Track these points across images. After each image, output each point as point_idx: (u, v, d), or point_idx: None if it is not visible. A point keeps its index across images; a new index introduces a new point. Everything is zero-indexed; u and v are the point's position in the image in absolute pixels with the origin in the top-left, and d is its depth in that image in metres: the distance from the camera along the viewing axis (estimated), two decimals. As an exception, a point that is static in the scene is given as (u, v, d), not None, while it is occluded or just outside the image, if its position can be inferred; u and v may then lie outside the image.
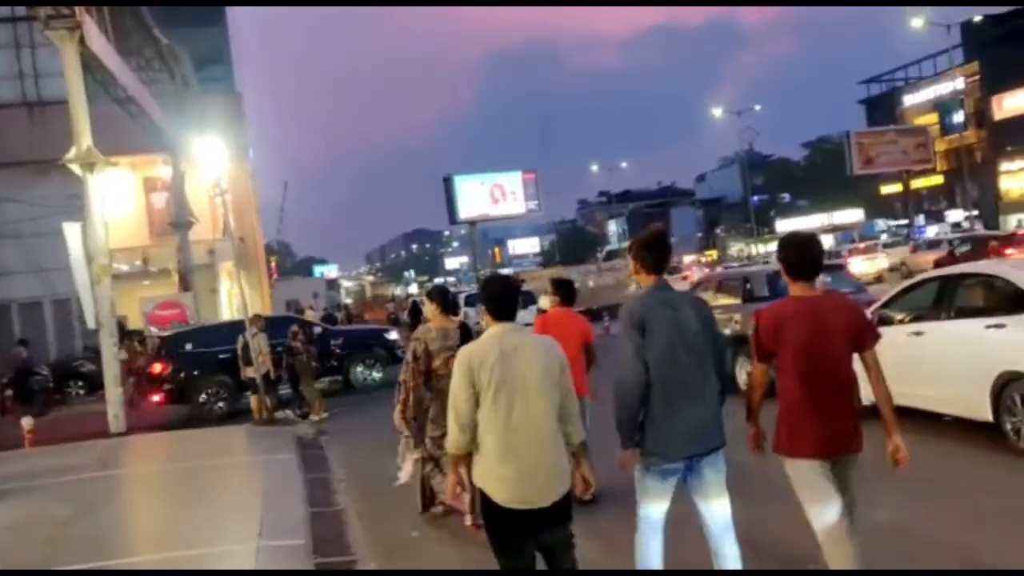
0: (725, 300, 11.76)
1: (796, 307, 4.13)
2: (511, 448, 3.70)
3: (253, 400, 13.92)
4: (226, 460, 10.47)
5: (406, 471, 6.98)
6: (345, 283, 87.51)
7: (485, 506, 3.81)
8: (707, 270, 25.99)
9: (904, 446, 4.15)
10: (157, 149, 22.87)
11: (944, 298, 7.73)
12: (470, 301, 28.63)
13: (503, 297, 3.96)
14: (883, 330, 8.54)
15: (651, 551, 4.16)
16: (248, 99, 31.35)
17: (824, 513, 3.99)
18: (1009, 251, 23.44)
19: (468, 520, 6.25)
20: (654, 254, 4.26)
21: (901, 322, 8.23)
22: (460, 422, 3.77)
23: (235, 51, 30.78)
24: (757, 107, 61.54)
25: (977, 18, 51.76)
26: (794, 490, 4.13)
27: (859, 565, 3.93)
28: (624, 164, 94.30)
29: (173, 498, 8.85)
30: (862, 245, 46.72)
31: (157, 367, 15.99)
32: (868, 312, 8.58)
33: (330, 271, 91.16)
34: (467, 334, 6.53)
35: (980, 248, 24.71)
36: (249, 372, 14.05)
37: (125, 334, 19.93)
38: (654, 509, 4.14)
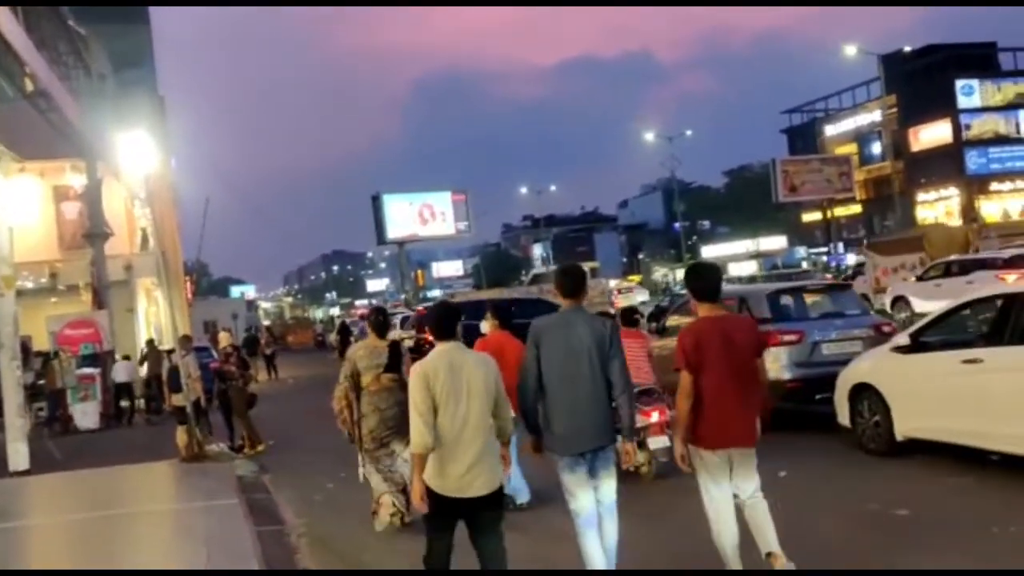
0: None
1: (710, 325, 4.86)
2: (457, 448, 4.34)
3: (180, 433, 12.28)
4: (154, 507, 8.83)
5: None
6: (264, 304, 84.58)
7: (430, 495, 4.39)
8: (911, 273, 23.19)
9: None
10: (69, 154, 20.90)
11: (1009, 319, 6.76)
12: (406, 323, 27.29)
13: (444, 320, 4.65)
14: (921, 358, 7.74)
15: (589, 546, 4.79)
16: (170, 108, 29.40)
17: (715, 493, 4.82)
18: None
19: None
20: (569, 282, 5.01)
21: (946, 348, 7.31)
22: (427, 424, 4.34)
23: (158, 56, 28.92)
24: (688, 132, 61.54)
25: (898, 49, 52.92)
26: (697, 473, 4.90)
27: (733, 541, 4.78)
28: (553, 188, 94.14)
29: (85, 561, 7.02)
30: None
31: None
32: (902, 336, 7.68)
33: (248, 292, 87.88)
34: (397, 352, 7.14)
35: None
36: (176, 400, 12.43)
37: (30, 355, 17.96)
38: (579, 501, 4.80)
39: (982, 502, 6.39)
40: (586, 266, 40.04)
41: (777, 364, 9.46)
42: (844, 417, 8.39)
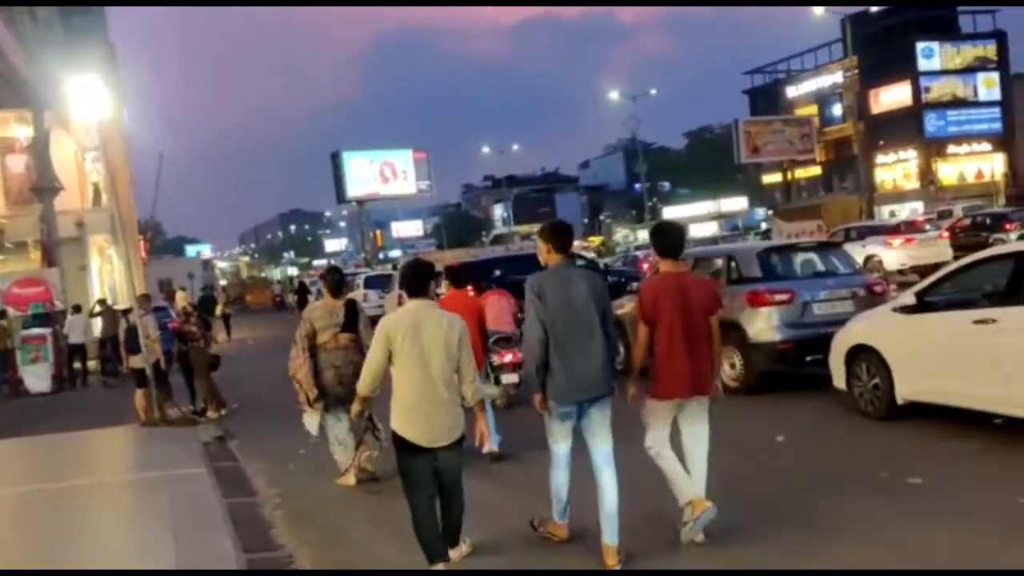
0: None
1: (668, 281, 5.17)
2: (418, 400, 4.66)
3: (139, 397, 11.69)
4: (113, 477, 8.25)
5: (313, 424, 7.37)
6: (220, 264, 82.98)
7: (397, 442, 4.76)
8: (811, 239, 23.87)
9: (719, 388, 5.38)
10: (15, 103, 19.83)
11: (1024, 278, 6.41)
12: (370, 283, 26.71)
13: (416, 278, 4.95)
14: (927, 318, 7.44)
15: (559, 480, 5.19)
16: (121, 58, 28.05)
17: (656, 434, 5.17)
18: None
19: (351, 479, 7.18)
20: (559, 239, 5.15)
21: (954, 308, 7.01)
22: (372, 371, 4.83)
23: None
24: (653, 91, 60.93)
25: (863, 11, 52.74)
26: (643, 416, 5.21)
27: (678, 469, 5.14)
28: (516, 147, 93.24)
29: (35, 541, 6.43)
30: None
31: None
32: (906, 295, 7.38)
33: (204, 251, 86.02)
34: (353, 312, 7.28)
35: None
36: (135, 362, 11.81)
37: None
38: (560, 446, 5.12)
39: (997, 468, 6.14)
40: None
41: (768, 325, 9.19)
42: (840, 379, 8.11)
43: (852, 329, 8.06)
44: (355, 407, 5.26)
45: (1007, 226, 25.07)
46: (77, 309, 18.81)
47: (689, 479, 5.14)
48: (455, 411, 4.79)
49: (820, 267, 9.78)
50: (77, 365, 18.57)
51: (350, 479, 7.23)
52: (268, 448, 9.21)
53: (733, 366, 9.56)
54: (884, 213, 51.51)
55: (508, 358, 9.08)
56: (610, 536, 4.92)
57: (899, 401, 7.37)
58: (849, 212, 30.11)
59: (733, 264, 9.78)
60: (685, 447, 5.25)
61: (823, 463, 6.70)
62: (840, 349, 8.04)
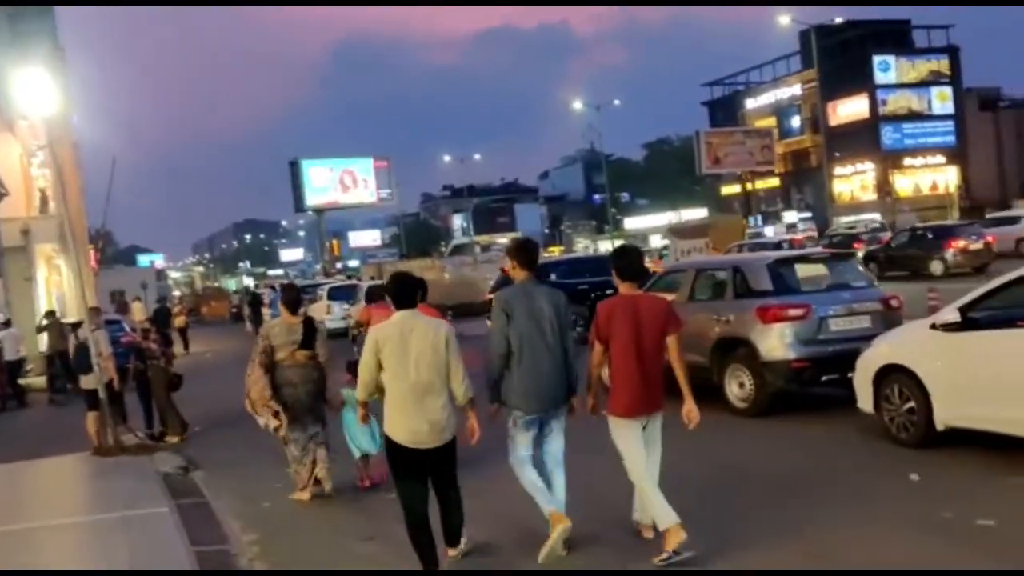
0: (706, 295, 9.75)
1: (624, 302, 5.30)
2: (409, 405, 4.90)
3: (91, 420, 10.69)
4: (61, 519, 7.15)
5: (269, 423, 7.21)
6: (173, 274, 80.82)
7: (390, 446, 5.03)
8: (701, 255, 25.43)
9: (695, 409, 5.33)
10: (-45, 105, 18.60)
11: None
12: (334, 295, 25.75)
13: (402, 291, 5.14)
14: (973, 336, 6.83)
15: (527, 474, 5.37)
16: (72, 64, 26.72)
17: (633, 457, 5.25)
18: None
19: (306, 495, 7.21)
20: (525, 256, 5.41)
21: (1005, 326, 6.41)
22: (365, 379, 5.08)
23: (60, 9, 26.19)
24: (616, 102, 60.72)
25: (822, 24, 52.98)
26: (614, 440, 5.31)
27: (653, 490, 5.18)
28: (477, 156, 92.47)
29: None
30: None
31: None
32: (948, 311, 6.76)
33: (157, 261, 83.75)
34: (311, 329, 7.23)
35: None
36: (86, 382, 10.79)
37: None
38: (522, 450, 5.36)
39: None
40: (508, 237, 38.97)
41: (781, 342, 8.55)
42: (866, 402, 7.49)
43: (881, 347, 7.46)
44: (360, 412, 5.53)
45: (950, 243, 24.84)
46: (7, 324, 17.68)
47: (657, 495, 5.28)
48: (446, 414, 4.97)
49: (833, 280, 9.17)
50: (22, 381, 17.44)
51: (305, 495, 7.25)
52: (238, 481, 8.34)
53: (742, 385, 8.92)
54: (841, 224, 51.51)
55: None
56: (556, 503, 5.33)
57: (938, 427, 6.77)
58: (735, 231, 32.79)
59: (740, 276, 9.14)
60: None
61: (868, 499, 6.04)
62: (868, 369, 7.42)
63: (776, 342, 8.56)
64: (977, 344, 6.47)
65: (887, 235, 30.71)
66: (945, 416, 6.72)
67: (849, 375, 7.96)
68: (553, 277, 17.06)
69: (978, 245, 24.54)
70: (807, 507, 5.92)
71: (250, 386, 7.17)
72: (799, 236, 36.07)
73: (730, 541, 5.38)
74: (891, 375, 7.18)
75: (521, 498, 5.55)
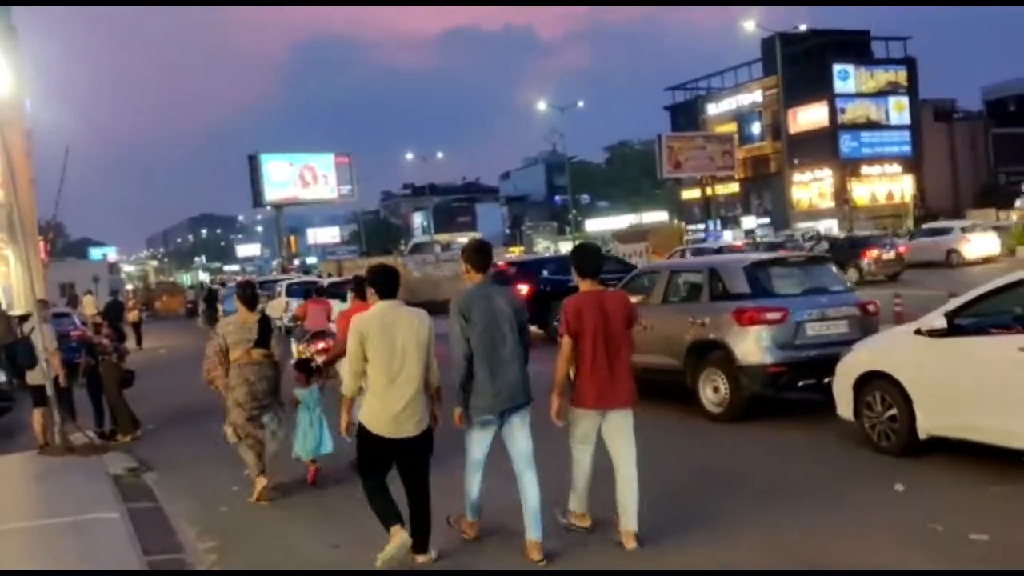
0: (680, 297, 9.56)
1: (590, 297, 5.44)
2: (390, 394, 4.96)
3: (37, 417, 10.18)
4: (4, 526, 6.60)
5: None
6: (126, 268, 79.06)
7: (365, 438, 5.07)
8: (641, 259, 27.06)
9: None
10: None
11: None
12: (293, 291, 25.21)
13: (385, 282, 5.24)
14: (960, 343, 6.68)
15: (473, 482, 5.41)
16: (25, 46, 25.78)
17: (580, 447, 5.47)
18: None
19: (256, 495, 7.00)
20: (479, 258, 5.44)
21: (992, 332, 6.29)
22: (354, 372, 5.07)
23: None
24: (581, 103, 60.50)
25: (787, 30, 53.43)
26: (568, 429, 5.43)
27: (586, 485, 5.51)
28: (440, 155, 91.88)
29: None
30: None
31: None
32: (934, 317, 6.62)
33: (110, 254, 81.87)
34: (267, 327, 7.21)
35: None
36: (32, 377, 10.28)
37: None
38: (476, 452, 5.35)
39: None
40: (468, 237, 38.62)
41: (758, 346, 8.39)
42: (846, 409, 7.35)
43: (862, 353, 7.32)
44: (343, 417, 5.23)
45: (864, 252, 26.56)
46: None
47: (587, 492, 5.54)
48: (423, 403, 5.06)
49: (810, 283, 9.02)
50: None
51: (260, 483, 7.09)
52: (193, 483, 7.94)
53: (716, 390, 8.74)
54: (798, 230, 52.03)
55: (321, 345, 11.43)
56: (535, 532, 5.20)
57: (921, 436, 6.64)
58: (673, 237, 35.12)
59: (716, 278, 8.96)
60: (615, 465, 5.41)
61: (852, 507, 5.87)
62: (848, 375, 7.28)
63: (753, 346, 8.40)
64: (963, 351, 6.35)
65: (809, 244, 32.08)
66: (928, 425, 6.59)
67: (826, 380, 7.85)
68: (545, 273, 17.63)
69: (890, 255, 26.54)
70: (790, 514, 5.74)
71: (211, 374, 7.19)
72: (738, 243, 37.31)
73: (711, 547, 5.21)
74: (872, 382, 7.05)
75: (498, 499, 5.54)
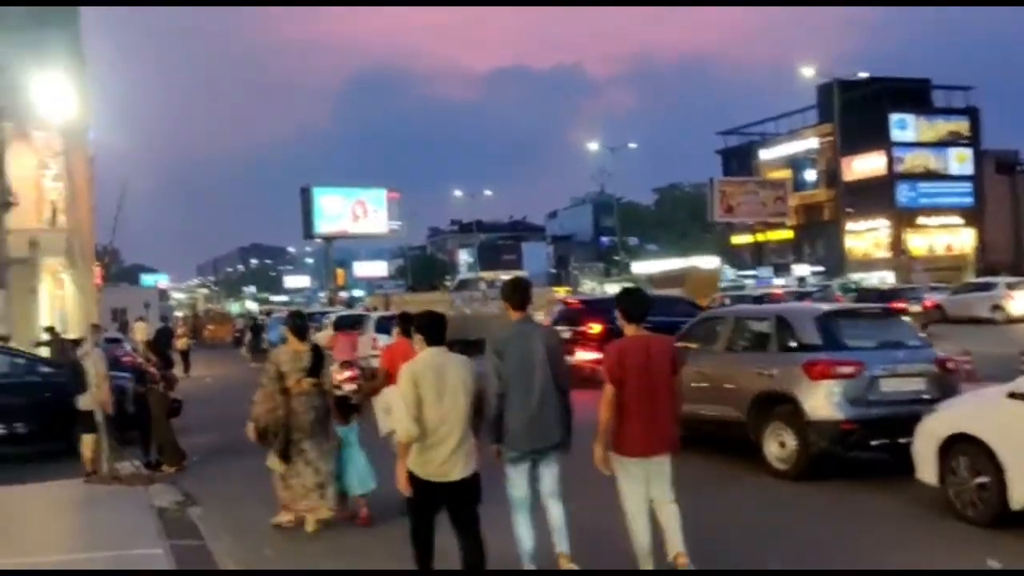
0: (745, 346, 9.19)
1: (634, 343, 5.43)
2: (438, 439, 4.96)
3: (86, 442, 10.09)
4: (46, 557, 6.46)
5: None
6: (176, 295, 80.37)
7: (411, 480, 5.02)
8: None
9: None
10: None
11: None
12: (341, 324, 25.15)
13: (433, 327, 5.26)
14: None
15: (521, 526, 5.48)
16: (92, 76, 26.42)
17: (632, 497, 5.36)
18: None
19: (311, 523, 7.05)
20: (515, 295, 5.64)
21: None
22: (413, 417, 4.95)
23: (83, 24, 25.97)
24: (633, 145, 60.52)
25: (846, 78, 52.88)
26: (617, 480, 5.41)
27: (646, 540, 5.33)
28: (488, 192, 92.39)
29: None
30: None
31: None
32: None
33: (161, 281, 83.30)
34: (319, 357, 7.25)
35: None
36: (83, 402, 10.20)
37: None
38: (515, 490, 5.46)
39: None
40: (512, 275, 38.55)
41: (828, 401, 7.97)
42: (928, 473, 6.90)
43: (948, 414, 6.89)
44: (400, 466, 5.06)
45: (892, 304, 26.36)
46: (4, 338, 17.12)
47: (647, 550, 5.34)
48: (471, 447, 5.08)
49: (885, 337, 8.59)
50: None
51: (283, 518, 7.21)
52: (237, 519, 7.73)
53: (783, 445, 8.31)
54: (851, 280, 50.95)
55: (347, 374, 10.99)
56: (563, 545, 5.45)
57: (1013, 506, 6.18)
58: (709, 283, 35.58)
59: (785, 328, 8.58)
60: (655, 504, 5.38)
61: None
62: (932, 437, 6.84)
63: (823, 400, 7.99)
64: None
65: (840, 294, 31.92)
66: (1022, 495, 6.12)
67: (900, 440, 7.41)
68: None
69: (917, 308, 26.63)
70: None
71: (259, 413, 7.09)
72: (777, 291, 37.03)
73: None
74: (959, 445, 6.60)
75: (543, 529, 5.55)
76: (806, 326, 8.43)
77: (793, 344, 8.45)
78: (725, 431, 8.88)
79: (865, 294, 29.74)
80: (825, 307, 9.82)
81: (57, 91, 10.36)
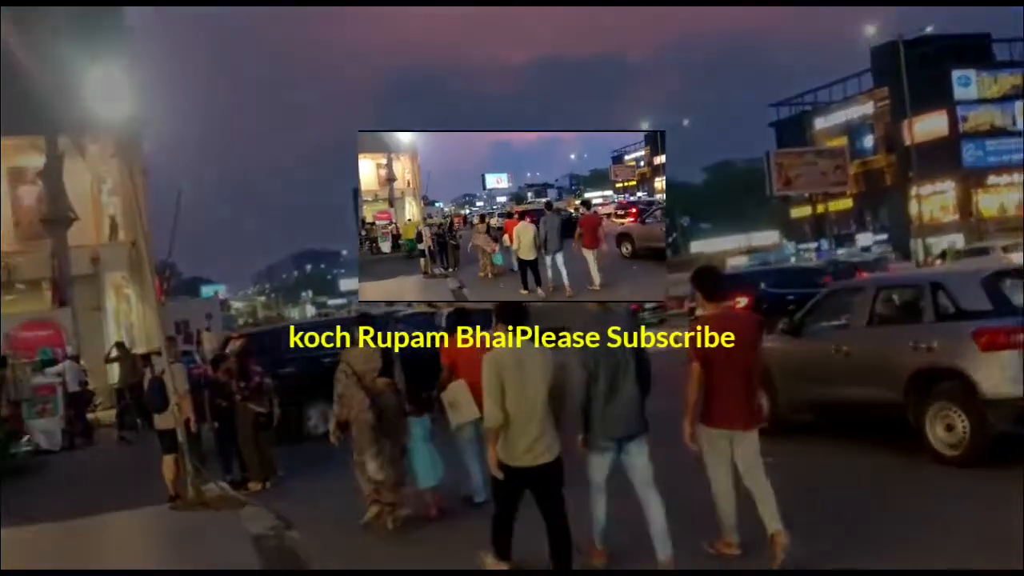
0: (893, 318, 8.14)
1: (722, 320, 5.52)
2: (522, 425, 5.14)
3: (167, 463, 9.42)
4: None
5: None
6: (235, 304, 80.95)
7: (504, 471, 5.20)
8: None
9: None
10: (28, 129, 17.89)
11: None
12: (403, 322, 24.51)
13: (516, 317, 5.35)
14: None
15: (598, 507, 5.63)
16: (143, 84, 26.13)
17: (718, 467, 5.53)
18: None
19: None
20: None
21: None
22: (497, 404, 5.13)
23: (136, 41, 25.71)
24: (685, 122, 59.18)
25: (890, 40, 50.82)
26: (703, 449, 5.54)
27: (731, 510, 5.55)
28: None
29: None
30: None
31: None
32: None
33: (220, 291, 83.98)
34: (389, 357, 7.59)
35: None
36: (162, 421, 9.52)
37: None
38: (596, 476, 5.60)
39: None
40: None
41: (1006, 374, 6.90)
42: None
43: None
44: (491, 453, 5.25)
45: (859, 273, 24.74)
46: (74, 357, 16.96)
47: (729, 515, 5.54)
48: (553, 432, 5.23)
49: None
50: (90, 416, 16.63)
51: (372, 512, 7.34)
52: (344, 546, 6.98)
53: (950, 428, 7.26)
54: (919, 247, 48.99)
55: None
56: (664, 550, 5.41)
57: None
58: None
59: (943, 294, 7.50)
60: (747, 484, 5.45)
61: None
62: None
63: (1000, 374, 6.91)
64: None
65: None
66: None
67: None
68: (763, 286, 18.09)
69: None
70: None
71: (341, 414, 7.33)
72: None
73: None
74: None
75: (627, 527, 5.63)
76: (970, 290, 7.35)
77: (954, 312, 7.37)
78: (876, 415, 7.85)
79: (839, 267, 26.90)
80: (989, 268, 8.69)
81: (111, 90, 9.66)
